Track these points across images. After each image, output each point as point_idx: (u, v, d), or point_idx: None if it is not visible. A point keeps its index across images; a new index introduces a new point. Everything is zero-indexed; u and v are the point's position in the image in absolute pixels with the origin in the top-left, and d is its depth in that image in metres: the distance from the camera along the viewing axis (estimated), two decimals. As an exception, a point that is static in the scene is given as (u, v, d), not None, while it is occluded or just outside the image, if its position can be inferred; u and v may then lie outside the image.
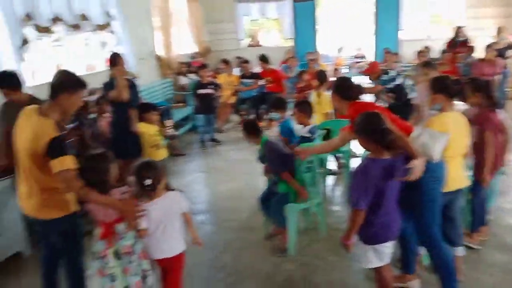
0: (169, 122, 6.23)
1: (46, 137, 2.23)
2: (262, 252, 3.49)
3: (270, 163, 3.44)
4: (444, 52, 8.29)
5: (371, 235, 2.36)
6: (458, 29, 8.94)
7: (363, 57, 11.27)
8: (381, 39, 10.46)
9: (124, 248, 2.42)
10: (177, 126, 6.88)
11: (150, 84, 7.39)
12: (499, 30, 8.84)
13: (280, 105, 4.39)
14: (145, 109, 4.42)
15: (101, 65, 6.52)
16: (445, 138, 2.55)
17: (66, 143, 2.31)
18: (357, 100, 2.93)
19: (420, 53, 7.47)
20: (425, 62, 5.17)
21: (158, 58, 8.19)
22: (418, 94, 4.98)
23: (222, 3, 10.96)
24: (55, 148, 2.24)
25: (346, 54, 11.75)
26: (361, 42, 11.79)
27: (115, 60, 4.37)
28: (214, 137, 6.98)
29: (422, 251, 2.96)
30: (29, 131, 2.30)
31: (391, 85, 5.93)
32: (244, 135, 3.44)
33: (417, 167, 2.35)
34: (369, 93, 6.77)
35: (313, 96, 5.38)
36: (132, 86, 4.51)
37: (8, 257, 3.46)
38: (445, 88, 2.70)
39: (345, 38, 13.04)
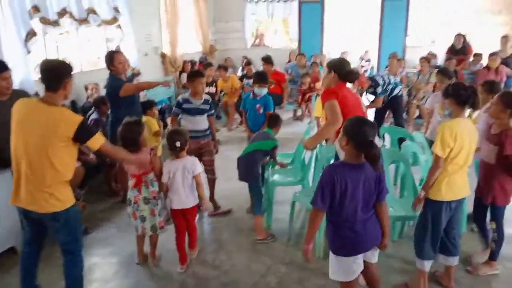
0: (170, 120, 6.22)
1: (72, 123, 2.34)
2: (256, 254, 3.50)
3: None
4: (448, 59, 8.30)
5: (332, 243, 2.29)
6: (458, 37, 8.92)
7: (368, 60, 11.27)
8: (386, 43, 10.40)
9: (151, 193, 3.09)
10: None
11: (153, 80, 7.36)
12: (505, 39, 8.80)
13: None
14: (148, 107, 4.60)
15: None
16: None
17: (90, 124, 2.41)
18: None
19: (423, 59, 7.43)
20: (443, 69, 5.37)
21: (163, 55, 8.22)
22: (429, 101, 4.96)
23: (231, 1, 10.99)
24: (86, 130, 2.43)
25: (351, 57, 11.71)
26: (367, 45, 11.72)
27: (111, 57, 4.17)
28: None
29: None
30: (45, 122, 2.32)
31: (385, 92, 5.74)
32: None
33: None
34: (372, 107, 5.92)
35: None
36: (128, 81, 4.57)
37: (2, 252, 3.38)
38: (458, 95, 2.65)
39: (351, 41, 12.96)
